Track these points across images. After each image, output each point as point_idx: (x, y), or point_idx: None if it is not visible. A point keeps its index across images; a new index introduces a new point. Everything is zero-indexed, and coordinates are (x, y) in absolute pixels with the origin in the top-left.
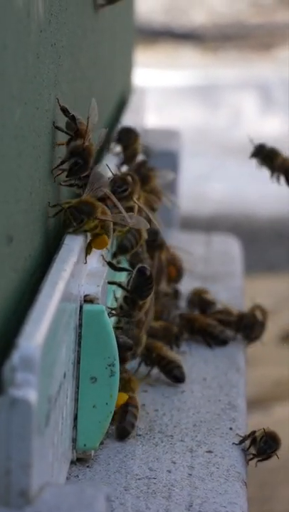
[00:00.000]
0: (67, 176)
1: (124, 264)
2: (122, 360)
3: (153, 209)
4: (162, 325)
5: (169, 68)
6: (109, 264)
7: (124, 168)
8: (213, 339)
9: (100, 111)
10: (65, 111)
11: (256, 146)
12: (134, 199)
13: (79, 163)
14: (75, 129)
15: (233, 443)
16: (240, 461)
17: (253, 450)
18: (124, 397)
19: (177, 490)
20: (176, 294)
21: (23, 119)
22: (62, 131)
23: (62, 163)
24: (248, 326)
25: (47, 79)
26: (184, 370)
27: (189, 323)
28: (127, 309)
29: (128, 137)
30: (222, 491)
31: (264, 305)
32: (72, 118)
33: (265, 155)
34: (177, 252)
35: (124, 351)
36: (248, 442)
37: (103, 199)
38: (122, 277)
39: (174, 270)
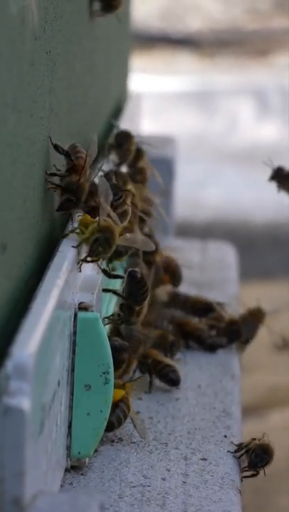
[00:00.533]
0: (57, 210)
1: (120, 272)
2: (118, 364)
3: (147, 214)
4: (158, 333)
5: (165, 74)
6: (104, 271)
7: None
8: (201, 344)
9: (95, 117)
10: (58, 148)
11: (274, 168)
12: (128, 203)
13: (72, 200)
14: (71, 164)
15: (228, 451)
16: (235, 469)
17: (245, 462)
18: (120, 393)
19: (171, 498)
20: (174, 297)
21: (17, 127)
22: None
23: (57, 186)
24: (235, 331)
25: (42, 86)
26: (179, 373)
27: (180, 327)
28: (124, 316)
29: (123, 139)
30: (216, 499)
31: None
32: (67, 154)
33: (283, 177)
34: (172, 255)
35: (120, 354)
36: (242, 452)
37: (95, 208)
38: (117, 285)
39: (169, 277)
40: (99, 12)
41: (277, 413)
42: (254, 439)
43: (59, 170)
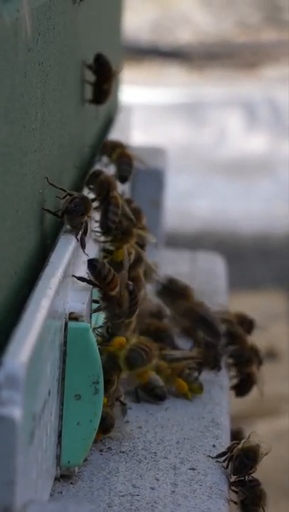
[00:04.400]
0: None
1: None
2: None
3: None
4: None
5: (155, 86)
6: (80, 278)
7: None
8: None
9: (86, 129)
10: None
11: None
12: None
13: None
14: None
15: (208, 456)
16: (224, 479)
17: (230, 469)
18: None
19: (160, 507)
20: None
21: (9, 138)
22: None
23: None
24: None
25: (34, 97)
26: (165, 388)
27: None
28: (113, 330)
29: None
30: (205, 509)
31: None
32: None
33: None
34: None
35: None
36: (227, 461)
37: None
38: None
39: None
40: (91, 101)
41: (266, 423)
42: (237, 443)
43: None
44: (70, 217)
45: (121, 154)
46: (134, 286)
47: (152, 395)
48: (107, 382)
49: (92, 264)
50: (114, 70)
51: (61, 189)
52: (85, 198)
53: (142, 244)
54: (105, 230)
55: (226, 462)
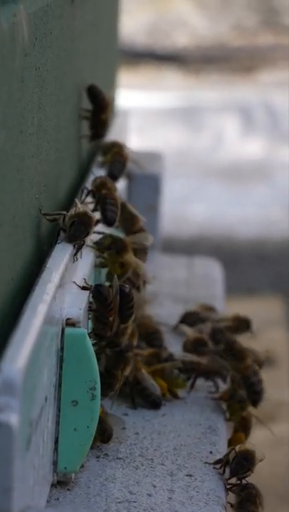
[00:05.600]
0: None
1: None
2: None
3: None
4: (150, 351)
5: (151, 90)
6: (84, 288)
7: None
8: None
9: (83, 133)
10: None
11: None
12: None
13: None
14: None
15: (206, 462)
16: (221, 485)
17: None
18: None
19: None
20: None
21: (6, 143)
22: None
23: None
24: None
25: (31, 102)
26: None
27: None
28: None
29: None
30: None
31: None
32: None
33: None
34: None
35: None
36: (223, 466)
37: None
38: None
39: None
40: (88, 137)
41: (262, 429)
42: (233, 448)
43: None
44: (73, 241)
45: (116, 153)
46: (130, 289)
47: (149, 401)
48: (112, 377)
49: (98, 290)
50: (108, 99)
51: (57, 214)
52: (82, 216)
53: (142, 248)
54: (108, 224)
55: (222, 468)
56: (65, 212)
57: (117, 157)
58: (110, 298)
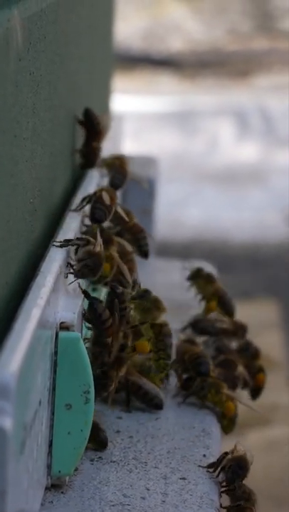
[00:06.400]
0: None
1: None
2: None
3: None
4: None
5: (146, 94)
6: (84, 292)
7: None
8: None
9: (78, 138)
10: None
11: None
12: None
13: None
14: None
15: (199, 465)
16: (214, 488)
17: (222, 478)
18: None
19: None
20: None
21: (0, 148)
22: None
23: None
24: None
25: (25, 107)
26: (162, 398)
27: None
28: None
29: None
30: None
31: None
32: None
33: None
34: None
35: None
36: (218, 470)
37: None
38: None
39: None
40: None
41: (256, 433)
42: (226, 453)
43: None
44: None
45: (118, 166)
46: (123, 292)
47: (152, 404)
48: (107, 378)
49: (92, 307)
50: (103, 126)
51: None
52: (94, 256)
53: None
54: (95, 221)
55: (217, 472)
56: (78, 242)
57: (118, 169)
58: (106, 316)
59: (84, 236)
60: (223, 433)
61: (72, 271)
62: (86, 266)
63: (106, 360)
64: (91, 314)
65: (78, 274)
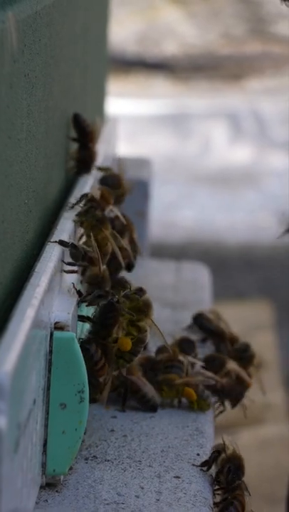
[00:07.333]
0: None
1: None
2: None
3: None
4: (145, 356)
5: (140, 98)
6: (79, 293)
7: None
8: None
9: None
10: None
11: None
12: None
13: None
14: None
15: (193, 464)
16: (208, 487)
17: (220, 479)
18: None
19: None
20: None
21: None
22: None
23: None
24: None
25: (20, 109)
26: (157, 399)
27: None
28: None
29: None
30: None
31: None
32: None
33: None
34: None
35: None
36: (213, 471)
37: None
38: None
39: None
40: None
41: (249, 432)
42: (218, 451)
43: None
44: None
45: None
46: (116, 304)
47: (148, 406)
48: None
49: (84, 347)
50: (93, 128)
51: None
52: (112, 305)
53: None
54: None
55: (214, 474)
56: (86, 264)
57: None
58: (97, 356)
59: (85, 249)
60: (201, 412)
61: (85, 300)
62: (99, 296)
63: (97, 397)
64: (83, 355)
65: (92, 303)
